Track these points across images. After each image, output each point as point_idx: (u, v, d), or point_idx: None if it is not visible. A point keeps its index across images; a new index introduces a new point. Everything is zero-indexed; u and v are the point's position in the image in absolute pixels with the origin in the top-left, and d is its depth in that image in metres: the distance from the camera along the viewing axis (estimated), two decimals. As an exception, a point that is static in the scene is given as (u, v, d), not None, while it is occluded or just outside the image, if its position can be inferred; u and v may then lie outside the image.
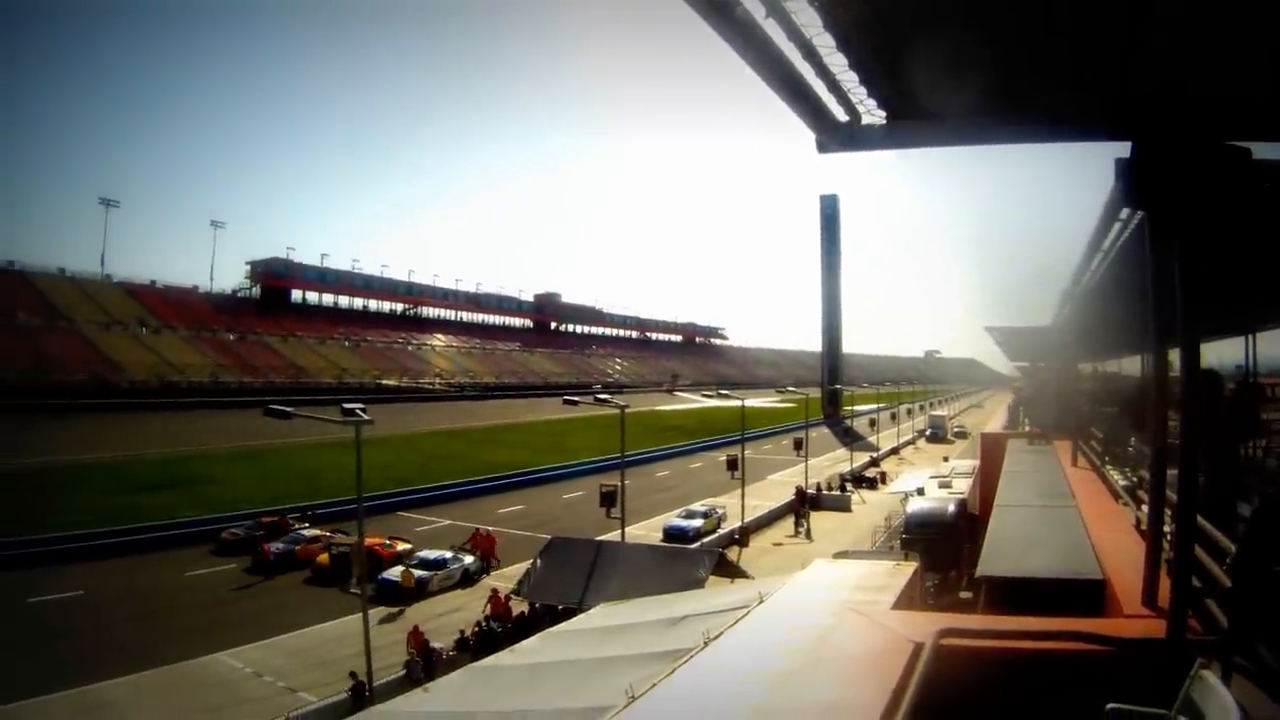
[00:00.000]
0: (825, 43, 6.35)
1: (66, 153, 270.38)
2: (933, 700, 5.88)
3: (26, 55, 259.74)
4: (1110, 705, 5.39)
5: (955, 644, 6.93)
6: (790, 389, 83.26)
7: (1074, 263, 17.42)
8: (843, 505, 57.53)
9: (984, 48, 6.68)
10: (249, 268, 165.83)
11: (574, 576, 28.59)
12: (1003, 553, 11.42)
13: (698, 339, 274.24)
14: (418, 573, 36.39)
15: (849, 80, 7.01)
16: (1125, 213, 10.60)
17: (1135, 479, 15.29)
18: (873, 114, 7.71)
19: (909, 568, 13.37)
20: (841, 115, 7.73)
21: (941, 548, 24.56)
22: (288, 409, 22.67)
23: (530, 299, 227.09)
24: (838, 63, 6.66)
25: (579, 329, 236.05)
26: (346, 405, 22.83)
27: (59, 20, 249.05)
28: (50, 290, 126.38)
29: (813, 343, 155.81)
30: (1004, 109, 7.75)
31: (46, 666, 25.86)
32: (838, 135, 7.94)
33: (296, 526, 43.08)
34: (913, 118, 7.77)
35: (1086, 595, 9.56)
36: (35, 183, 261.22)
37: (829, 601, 10.45)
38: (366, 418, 22.25)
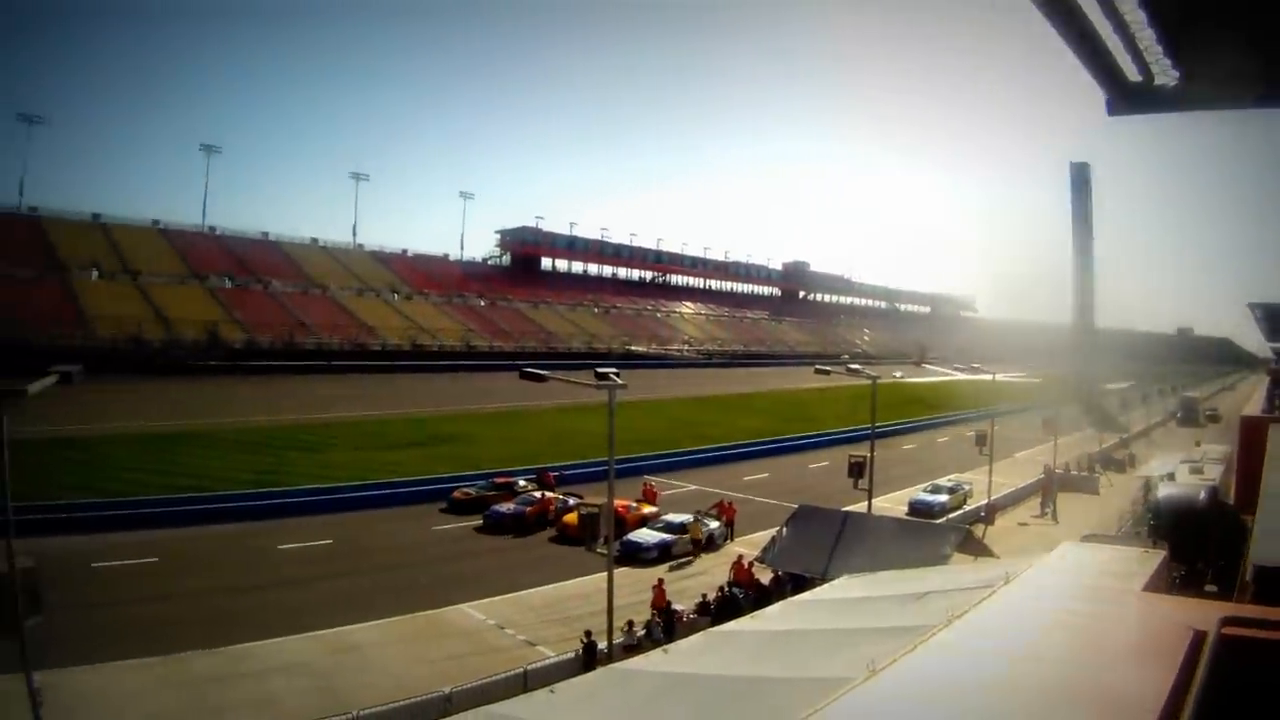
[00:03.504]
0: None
1: (321, 131, 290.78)
2: (1219, 690, 5.67)
3: (288, 48, 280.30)
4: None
5: (1238, 634, 6.63)
6: (1043, 364, 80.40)
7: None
8: (1090, 487, 54.98)
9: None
10: (499, 236, 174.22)
11: (819, 546, 28.46)
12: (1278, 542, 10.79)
13: (946, 311, 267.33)
14: (663, 535, 37.32)
15: (1145, 38, 6.78)
16: None
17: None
18: (1166, 74, 7.42)
19: (1157, 555, 12.78)
20: (1134, 74, 7.48)
21: (1191, 536, 23.28)
22: (542, 372, 23.37)
23: (778, 267, 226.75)
24: (1137, 19, 6.46)
25: (826, 298, 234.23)
26: (600, 369, 23.24)
27: (315, 14, 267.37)
28: (304, 259, 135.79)
29: (1062, 317, 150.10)
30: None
31: (298, 609, 28.10)
32: (1129, 95, 7.70)
33: (527, 488, 44.44)
34: (1206, 79, 7.43)
35: None
36: (291, 159, 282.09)
37: (1079, 585, 10.13)
38: (620, 382, 22.65)
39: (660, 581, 29.02)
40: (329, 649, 25.19)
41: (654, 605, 27.48)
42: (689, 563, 36.31)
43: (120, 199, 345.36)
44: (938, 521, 39.41)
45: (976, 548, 29.40)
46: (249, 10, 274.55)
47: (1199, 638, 6.50)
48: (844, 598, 12.98)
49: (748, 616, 13.70)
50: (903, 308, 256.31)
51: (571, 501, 40.94)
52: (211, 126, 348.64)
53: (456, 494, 43.54)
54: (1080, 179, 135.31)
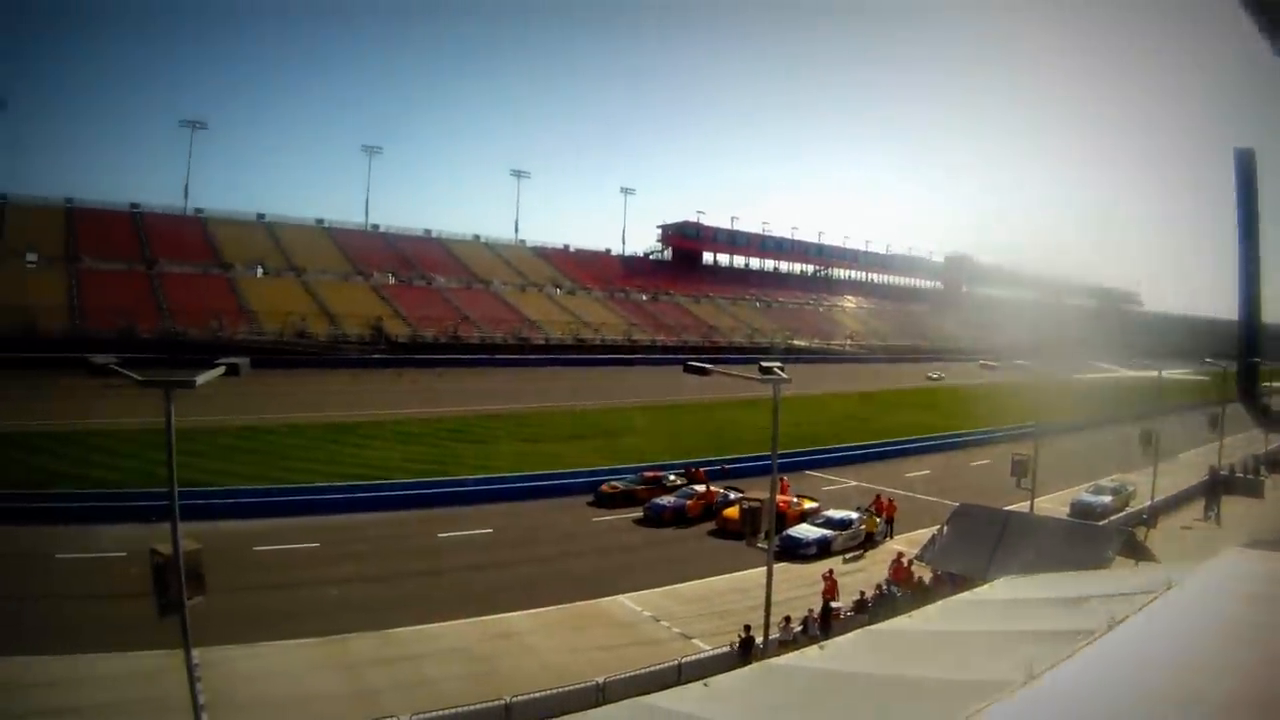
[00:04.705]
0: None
1: (481, 130, 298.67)
2: None
3: (448, 49, 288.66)
4: None
5: None
6: (1207, 360, 77.03)
7: None
8: (1255, 490, 52.15)
9: None
10: (659, 231, 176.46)
11: (979, 546, 28.03)
12: None
13: (1111, 304, 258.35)
14: (823, 531, 37.22)
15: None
16: None
17: None
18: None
19: (1327, 564, 12.18)
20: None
21: None
22: (705, 365, 23.50)
23: (940, 260, 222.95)
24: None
25: (990, 291, 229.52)
26: (764, 364, 23.18)
27: (473, 15, 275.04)
28: (466, 255, 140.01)
29: (1228, 311, 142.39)
30: None
31: (456, 595, 29.02)
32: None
33: (678, 482, 44.78)
34: None
35: None
36: (452, 158, 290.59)
37: (1245, 593, 9.74)
38: (785, 376, 22.54)
39: (830, 572, 29.34)
40: (485, 635, 25.95)
41: (825, 595, 27.70)
42: (855, 558, 36.23)
43: (285, 200, 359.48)
44: (1100, 523, 38.34)
45: (1138, 551, 28.55)
46: (407, 11, 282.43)
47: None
48: (1003, 599, 12.75)
49: (905, 615, 13.54)
50: (1068, 301, 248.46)
51: (732, 496, 41.00)
52: (373, 128, 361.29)
53: (605, 487, 43.99)
54: (1245, 164, 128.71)
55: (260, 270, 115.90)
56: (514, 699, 19.10)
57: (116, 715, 19.75)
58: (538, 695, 19.40)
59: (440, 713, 18.50)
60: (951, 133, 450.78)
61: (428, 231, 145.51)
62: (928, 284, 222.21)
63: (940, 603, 14.18)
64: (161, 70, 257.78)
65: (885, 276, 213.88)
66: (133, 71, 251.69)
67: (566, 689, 19.81)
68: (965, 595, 15.03)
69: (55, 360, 64.71)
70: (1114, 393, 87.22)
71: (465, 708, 18.82)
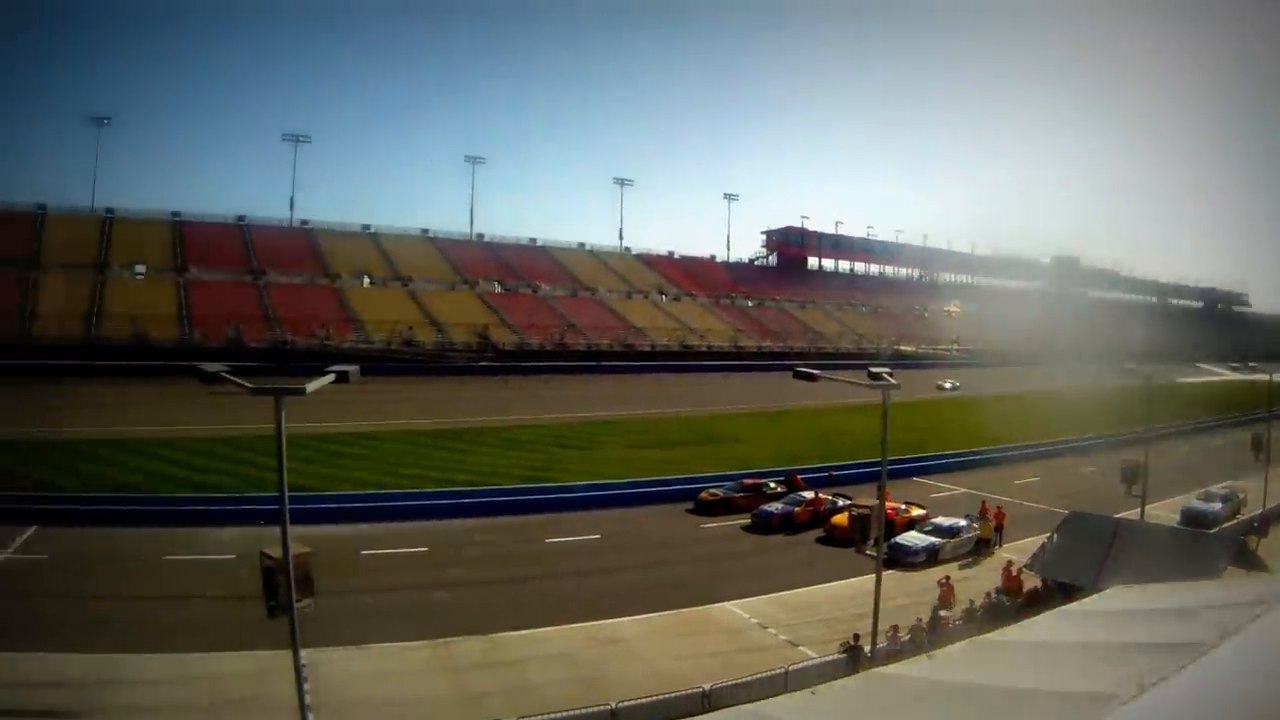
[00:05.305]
0: None
1: (584, 139, 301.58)
2: None
3: (549, 58, 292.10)
4: None
5: None
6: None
7: None
8: None
9: None
10: (764, 237, 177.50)
11: (1088, 554, 27.61)
12: None
13: (1218, 305, 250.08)
14: (931, 539, 36.76)
15: None
16: None
17: None
18: None
19: None
20: None
21: None
22: (814, 372, 23.45)
23: (1046, 262, 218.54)
24: None
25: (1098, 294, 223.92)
26: (873, 369, 23.06)
27: (576, 25, 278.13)
28: (571, 263, 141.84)
29: None
30: None
31: (562, 601, 29.34)
32: None
33: (777, 489, 44.35)
34: None
35: None
36: (555, 167, 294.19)
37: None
38: (894, 382, 22.38)
39: (947, 579, 29.08)
40: (591, 641, 26.05)
41: (941, 601, 27.59)
42: (966, 565, 35.76)
43: (389, 211, 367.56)
44: (1210, 531, 37.35)
45: (1250, 561, 27.81)
46: (509, 23, 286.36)
47: None
48: (1113, 609, 12.58)
49: (1014, 625, 13.44)
50: (1173, 302, 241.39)
51: (840, 503, 40.77)
52: (477, 139, 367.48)
53: (704, 494, 43.74)
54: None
55: (366, 280, 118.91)
56: (620, 705, 19.23)
57: (224, 713, 20.42)
58: (644, 701, 19.51)
59: (545, 717, 18.66)
60: (1060, 130, 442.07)
61: (532, 240, 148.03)
62: (1035, 286, 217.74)
63: (1049, 612, 14.06)
64: (266, 85, 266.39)
65: (991, 280, 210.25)
66: (238, 87, 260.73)
67: (673, 695, 19.87)
68: (1074, 605, 14.85)
69: (166, 368, 66.92)
70: (1223, 396, 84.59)
71: (571, 713, 18.97)
